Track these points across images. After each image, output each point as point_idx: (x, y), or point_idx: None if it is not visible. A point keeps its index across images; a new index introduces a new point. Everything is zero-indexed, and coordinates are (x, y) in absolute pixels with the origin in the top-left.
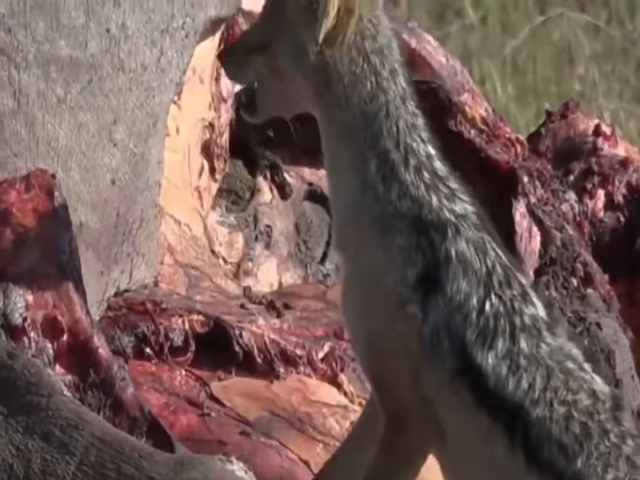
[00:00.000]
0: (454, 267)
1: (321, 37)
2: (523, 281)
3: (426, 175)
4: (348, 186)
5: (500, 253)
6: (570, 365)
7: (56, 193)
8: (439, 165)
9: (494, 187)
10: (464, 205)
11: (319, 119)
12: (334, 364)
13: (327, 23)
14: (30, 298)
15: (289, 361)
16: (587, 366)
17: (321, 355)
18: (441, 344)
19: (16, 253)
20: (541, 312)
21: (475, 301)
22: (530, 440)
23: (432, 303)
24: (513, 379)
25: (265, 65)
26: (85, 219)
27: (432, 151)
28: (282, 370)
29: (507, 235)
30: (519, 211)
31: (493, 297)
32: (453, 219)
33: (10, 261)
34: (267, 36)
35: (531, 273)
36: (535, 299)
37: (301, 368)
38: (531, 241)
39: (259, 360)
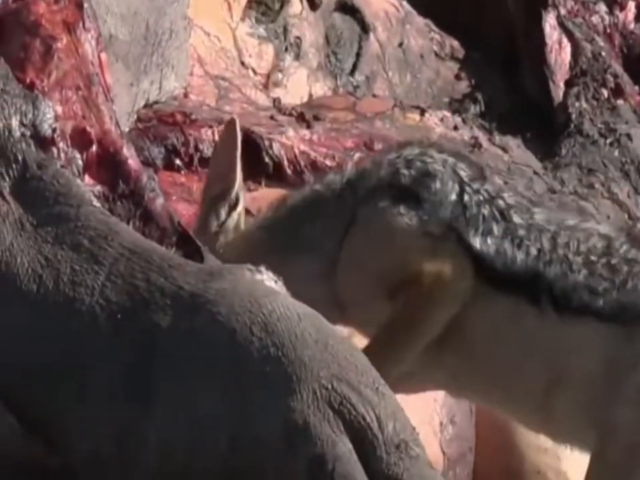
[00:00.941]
0: (425, 180)
1: None
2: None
3: None
4: None
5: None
6: (570, 222)
7: (85, 5)
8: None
9: (524, 0)
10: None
11: None
12: None
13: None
14: (59, 109)
15: (319, 171)
16: (585, 219)
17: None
18: (450, 237)
19: (45, 65)
20: (517, 197)
21: (453, 196)
22: (556, 296)
23: (421, 209)
24: (520, 252)
25: None
26: (115, 30)
27: None
28: (312, 180)
29: (537, 47)
30: (549, 23)
31: (467, 188)
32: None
33: (39, 73)
34: None
35: (562, 85)
36: (507, 192)
37: None
38: (561, 53)
39: (288, 171)
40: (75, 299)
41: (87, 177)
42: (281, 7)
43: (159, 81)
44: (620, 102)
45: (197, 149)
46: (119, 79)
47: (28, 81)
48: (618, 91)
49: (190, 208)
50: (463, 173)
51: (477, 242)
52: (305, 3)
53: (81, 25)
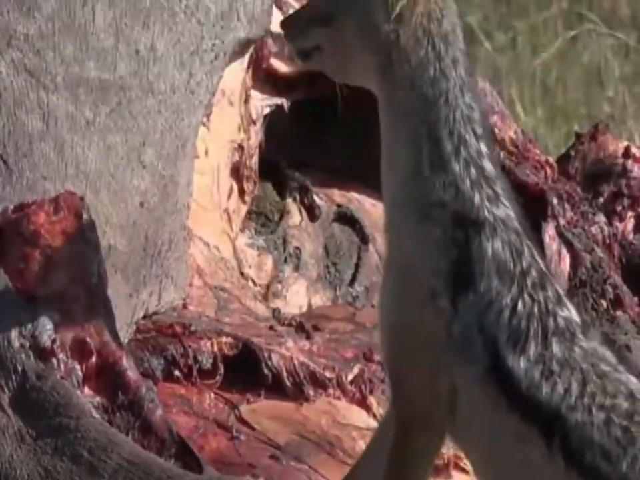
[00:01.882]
0: (487, 264)
1: (396, 12)
2: (558, 287)
3: (473, 171)
4: (400, 167)
5: (537, 258)
6: (604, 367)
7: (84, 215)
8: (487, 164)
9: (523, 210)
10: (506, 210)
11: (378, 97)
12: (363, 386)
13: None
14: (58, 320)
15: (318, 383)
16: (621, 368)
17: (350, 377)
18: (472, 342)
19: (45, 275)
20: (575, 316)
21: (508, 299)
22: (570, 445)
23: (463, 298)
24: (547, 384)
25: (327, 37)
26: (114, 241)
27: (483, 149)
28: (311, 392)
29: None
30: (549, 233)
31: (526, 296)
32: (491, 218)
33: (39, 283)
34: (334, 8)
35: None
36: (569, 304)
37: (330, 390)
38: (560, 263)
39: (288, 383)
40: None
41: (86, 388)
42: (281, 217)
43: (158, 292)
44: (619, 313)
45: (196, 360)
46: (118, 290)
47: (28, 291)
48: (617, 302)
49: (189, 420)
50: (531, 276)
51: (509, 357)
52: (305, 214)
53: (80, 235)
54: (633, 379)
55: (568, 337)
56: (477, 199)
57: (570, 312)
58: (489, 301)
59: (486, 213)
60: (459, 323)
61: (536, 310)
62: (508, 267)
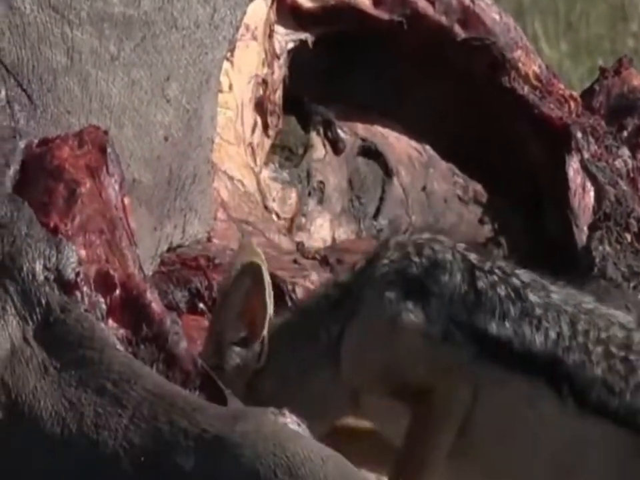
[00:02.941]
0: (435, 272)
1: None
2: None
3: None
4: None
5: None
6: (588, 305)
7: (109, 150)
8: None
9: (547, 143)
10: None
11: None
12: None
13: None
14: (82, 253)
15: None
16: (601, 305)
17: None
18: (453, 335)
19: (68, 209)
20: (534, 275)
21: (465, 286)
22: (576, 388)
23: (428, 307)
24: (539, 334)
25: None
26: (138, 175)
27: None
28: None
29: (560, 191)
30: (573, 167)
31: (479, 273)
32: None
33: (63, 217)
34: None
35: (585, 229)
36: (520, 269)
37: None
38: (584, 197)
39: None
40: (98, 442)
41: (110, 321)
42: (305, 151)
43: (182, 225)
44: None
45: None
46: (143, 223)
47: (52, 225)
48: None
49: None
50: (472, 256)
51: (493, 327)
52: (329, 148)
53: (104, 169)
54: (618, 312)
55: (540, 287)
56: None
57: (528, 272)
58: (450, 297)
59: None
60: (434, 325)
61: (496, 278)
62: (449, 267)
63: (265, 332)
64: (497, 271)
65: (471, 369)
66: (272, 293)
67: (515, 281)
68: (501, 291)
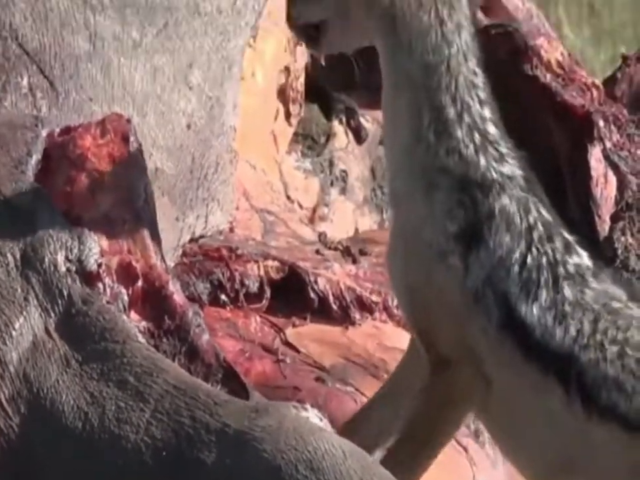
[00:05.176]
0: (496, 222)
1: None
2: (568, 236)
3: (477, 136)
4: (402, 136)
5: (544, 212)
6: (615, 305)
7: (131, 138)
8: (491, 128)
9: (569, 132)
10: (512, 168)
11: (381, 62)
12: None
13: None
14: (105, 244)
15: (365, 307)
16: (632, 304)
17: (396, 301)
18: (485, 297)
19: (91, 199)
20: (586, 260)
21: (517, 254)
22: (585, 386)
23: (474, 256)
24: (560, 328)
25: (332, 3)
26: (161, 164)
27: (486, 114)
28: (357, 316)
29: (582, 180)
30: (595, 156)
31: (534, 250)
32: (499, 178)
33: (85, 207)
34: None
35: (607, 219)
36: (579, 250)
37: (377, 314)
38: (606, 186)
39: (334, 306)
40: (120, 437)
41: (132, 313)
42: (327, 140)
43: (204, 216)
44: None
45: (242, 283)
46: (165, 213)
47: (74, 215)
48: None
49: (235, 344)
50: (538, 232)
51: (522, 307)
52: (351, 137)
53: (127, 158)
54: None
55: (579, 281)
56: (482, 162)
57: (581, 257)
58: (500, 257)
59: (493, 173)
60: (471, 279)
61: (544, 261)
62: (515, 223)
63: None
64: (549, 252)
65: (497, 338)
66: None
67: (560, 270)
68: (542, 276)
